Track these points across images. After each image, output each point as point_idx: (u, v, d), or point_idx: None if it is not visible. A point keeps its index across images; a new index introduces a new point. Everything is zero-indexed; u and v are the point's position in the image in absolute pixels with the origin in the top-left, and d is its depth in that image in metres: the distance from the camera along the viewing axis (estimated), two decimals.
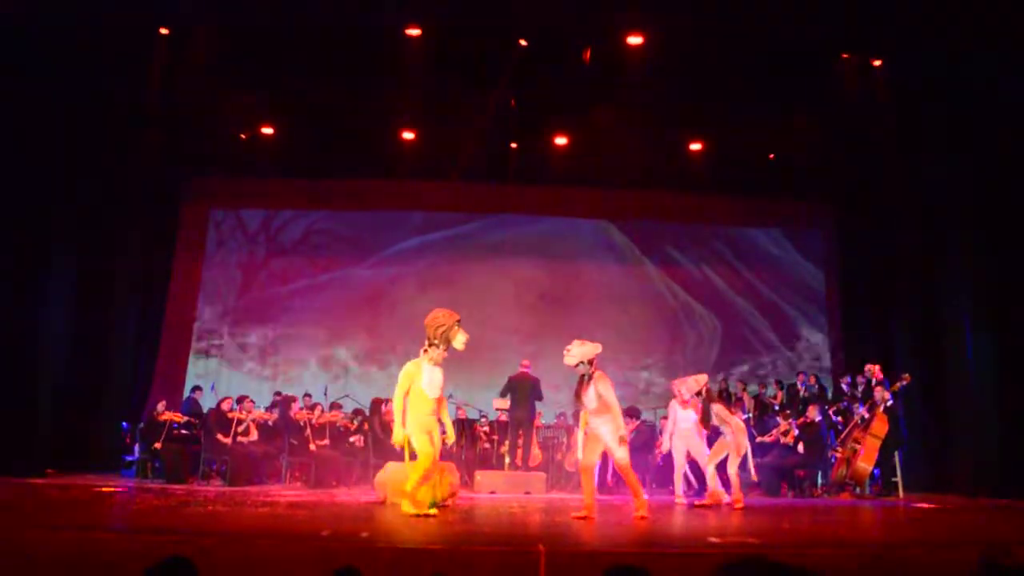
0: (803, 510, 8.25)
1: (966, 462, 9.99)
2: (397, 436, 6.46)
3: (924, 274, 11.06)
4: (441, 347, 6.62)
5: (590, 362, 6.66)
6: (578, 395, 6.71)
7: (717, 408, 8.19)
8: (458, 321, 6.66)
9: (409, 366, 6.60)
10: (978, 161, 9.90)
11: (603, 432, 6.60)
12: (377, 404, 10.52)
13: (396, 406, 6.51)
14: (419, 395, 6.51)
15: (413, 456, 6.50)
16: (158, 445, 10.04)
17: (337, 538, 5.00)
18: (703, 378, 8.36)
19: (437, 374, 6.63)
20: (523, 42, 9.72)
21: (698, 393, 8.22)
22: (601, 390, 6.55)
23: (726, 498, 8.08)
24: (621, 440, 6.52)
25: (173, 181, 12.95)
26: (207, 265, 13.30)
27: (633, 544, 5.43)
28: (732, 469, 8.05)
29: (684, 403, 8.42)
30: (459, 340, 6.62)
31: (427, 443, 6.40)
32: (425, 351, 6.63)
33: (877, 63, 9.98)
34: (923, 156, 10.82)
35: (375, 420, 10.22)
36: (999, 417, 9.58)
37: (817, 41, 9.70)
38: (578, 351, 6.64)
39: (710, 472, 8.16)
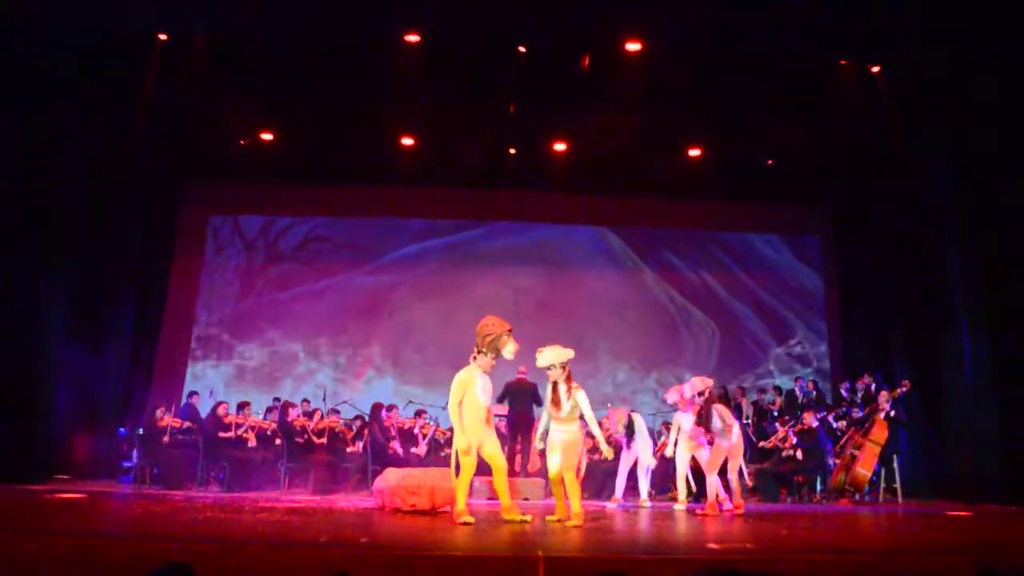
0: (802, 516, 8.23)
1: (965, 468, 10.00)
2: (460, 443, 6.35)
3: (922, 279, 11.08)
4: (490, 355, 6.56)
5: (563, 367, 6.66)
6: (555, 403, 6.66)
7: (721, 410, 8.09)
8: (509, 331, 6.60)
9: (463, 374, 6.51)
10: (976, 166, 9.92)
11: (563, 439, 6.60)
12: (377, 409, 10.52)
13: (453, 414, 6.44)
14: (473, 403, 6.46)
15: (459, 469, 6.43)
16: (166, 439, 10.09)
17: (335, 544, 4.99)
18: (709, 380, 8.30)
19: (487, 382, 6.61)
20: (522, 48, 9.75)
21: (700, 393, 8.16)
22: (580, 400, 6.58)
23: (728, 504, 8.10)
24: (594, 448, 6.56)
25: (172, 187, 12.97)
26: (205, 271, 13.32)
27: (631, 550, 5.42)
28: (732, 475, 8.07)
29: (687, 403, 8.38)
30: (508, 349, 6.57)
31: (473, 457, 6.40)
32: (474, 359, 6.58)
33: (875, 69, 10.02)
34: (920, 161, 10.85)
35: (375, 426, 10.22)
36: (998, 422, 9.59)
37: (814, 47, 9.73)
38: (551, 354, 6.63)
39: (712, 480, 8.08)
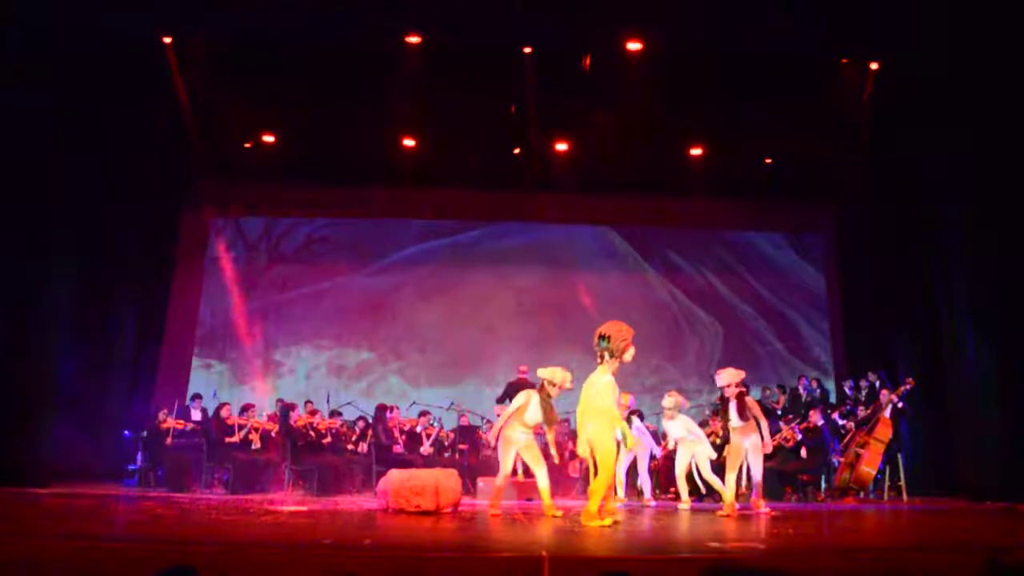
0: (807, 515, 8.21)
1: (969, 465, 9.98)
2: (610, 444, 6.36)
3: (925, 277, 11.06)
4: (619, 360, 6.57)
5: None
6: (549, 421, 7.40)
7: (752, 404, 7.90)
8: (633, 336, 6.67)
9: (609, 377, 6.49)
10: (978, 163, 9.91)
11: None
12: (381, 410, 10.51)
13: (615, 416, 6.41)
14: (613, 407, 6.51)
15: (596, 470, 6.43)
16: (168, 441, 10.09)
17: (340, 546, 4.99)
18: (741, 372, 8.09)
19: None
20: (528, 49, 9.74)
21: (738, 385, 7.95)
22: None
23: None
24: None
25: (174, 190, 12.98)
26: (208, 273, 13.33)
27: (635, 549, 5.41)
28: (757, 476, 7.90)
29: (726, 388, 8.01)
30: (630, 354, 6.61)
31: (613, 458, 6.44)
32: (605, 362, 6.54)
33: (874, 66, 10.00)
34: (923, 159, 10.84)
35: (379, 426, 10.21)
36: (1001, 419, 9.57)
37: (815, 45, 9.71)
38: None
39: (730, 481, 7.92)
